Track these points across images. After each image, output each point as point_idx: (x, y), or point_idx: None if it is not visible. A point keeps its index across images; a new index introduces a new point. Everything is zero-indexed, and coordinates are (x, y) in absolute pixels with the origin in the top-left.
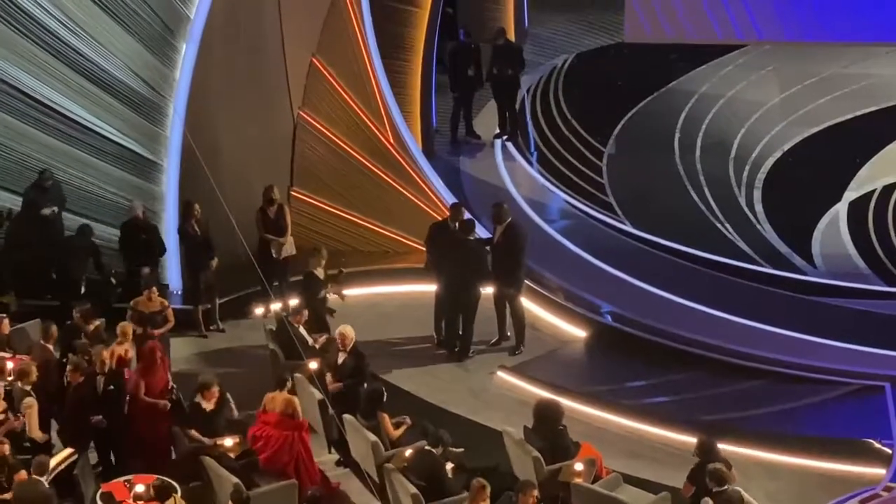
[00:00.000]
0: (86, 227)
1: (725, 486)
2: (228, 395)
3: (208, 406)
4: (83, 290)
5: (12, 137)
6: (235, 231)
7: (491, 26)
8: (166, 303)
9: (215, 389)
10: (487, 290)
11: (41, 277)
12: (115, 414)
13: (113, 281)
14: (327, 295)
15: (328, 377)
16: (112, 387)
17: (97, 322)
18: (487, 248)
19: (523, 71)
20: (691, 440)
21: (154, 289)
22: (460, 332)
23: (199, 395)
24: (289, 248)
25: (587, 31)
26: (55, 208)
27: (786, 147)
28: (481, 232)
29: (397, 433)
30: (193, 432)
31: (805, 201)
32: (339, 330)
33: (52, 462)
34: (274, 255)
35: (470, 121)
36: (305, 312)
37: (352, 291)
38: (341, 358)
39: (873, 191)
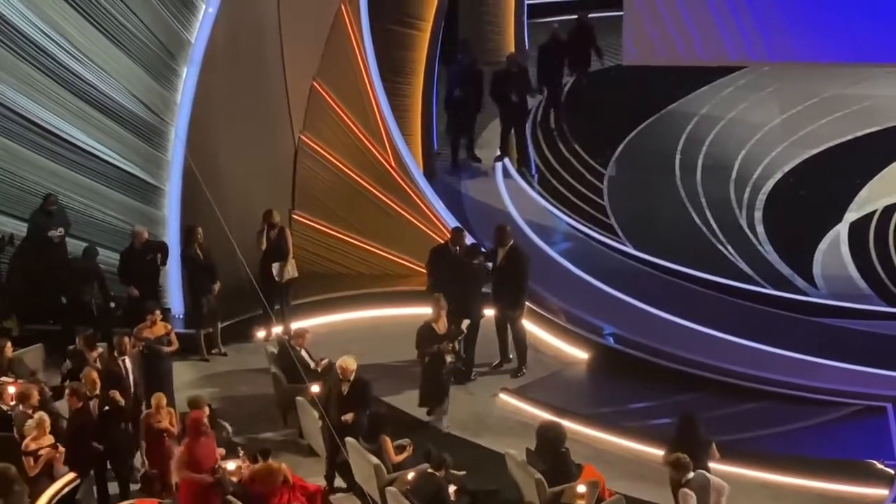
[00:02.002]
0: (90, 249)
1: (691, 473)
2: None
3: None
4: (94, 313)
5: (14, 162)
6: (237, 255)
7: (491, 48)
8: (170, 327)
9: (205, 409)
10: (488, 313)
11: (44, 302)
12: (113, 436)
13: (112, 304)
14: (440, 350)
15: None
16: (106, 408)
17: (100, 349)
18: (489, 264)
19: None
20: None
21: (157, 313)
22: (462, 355)
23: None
24: (291, 270)
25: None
26: (62, 230)
27: (786, 168)
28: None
29: (399, 458)
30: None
31: (806, 222)
32: (339, 363)
33: (55, 487)
34: (276, 278)
35: (471, 144)
36: (307, 335)
37: (354, 315)
38: (345, 388)
39: (874, 212)
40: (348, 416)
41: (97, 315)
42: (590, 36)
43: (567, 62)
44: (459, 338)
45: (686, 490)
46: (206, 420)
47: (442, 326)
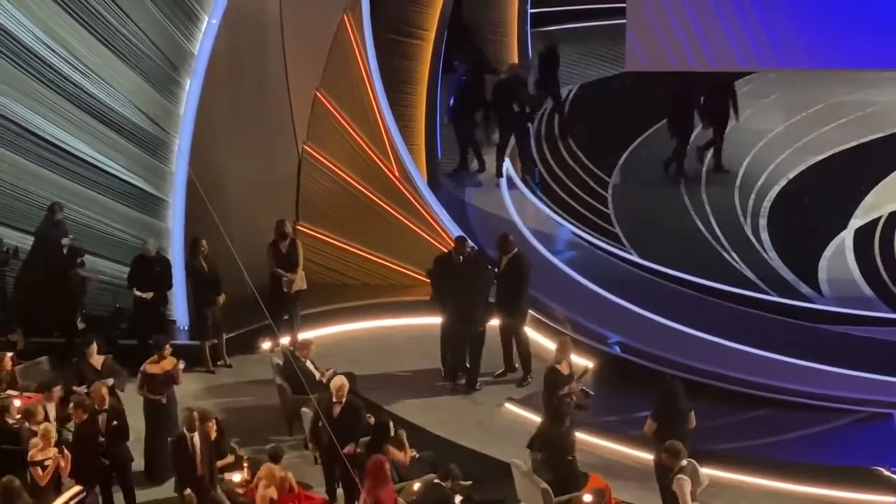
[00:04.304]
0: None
1: (684, 461)
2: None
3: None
4: (80, 324)
5: (18, 176)
6: (240, 266)
7: (494, 58)
8: (175, 361)
9: (212, 423)
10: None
11: (49, 314)
12: (120, 451)
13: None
14: (570, 391)
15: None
16: (115, 423)
17: (102, 359)
18: (494, 269)
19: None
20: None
21: (167, 348)
22: (467, 365)
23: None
24: (300, 282)
25: (590, 61)
26: (74, 237)
27: (791, 175)
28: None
29: (405, 455)
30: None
31: (811, 229)
32: (333, 383)
33: (61, 500)
34: (285, 290)
35: (479, 153)
36: (312, 346)
37: (358, 325)
38: (336, 410)
39: (879, 218)
40: (351, 448)
41: (90, 327)
42: (730, 92)
43: (701, 115)
44: (585, 375)
45: (682, 476)
46: (388, 465)
47: (566, 368)
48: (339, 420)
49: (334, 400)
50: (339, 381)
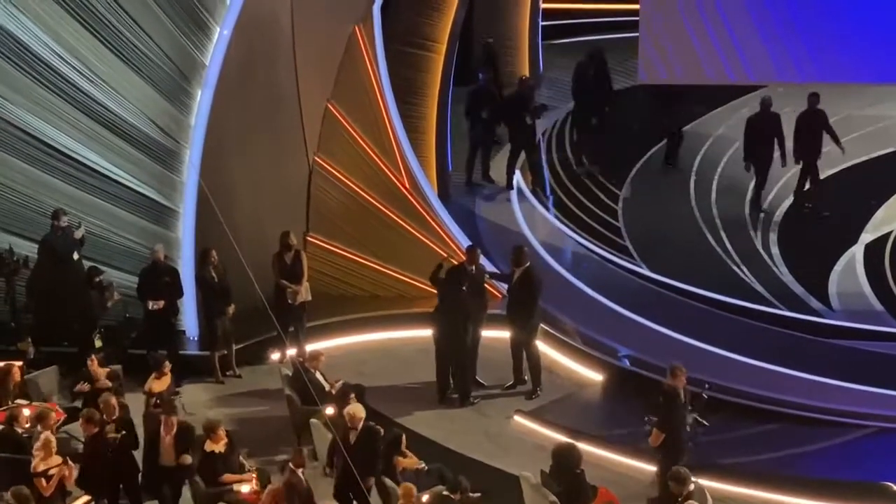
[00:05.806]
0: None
1: (691, 485)
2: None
3: (218, 448)
4: (98, 342)
5: (28, 185)
6: (250, 277)
7: (506, 70)
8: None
9: (221, 431)
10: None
11: (59, 323)
12: (128, 460)
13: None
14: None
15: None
16: (123, 432)
17: (108, 370)
18: (506, 285)
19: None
20: (708, 484)
21: (166, 364)
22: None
23: (207, 440)
24: (304, 293)
25: None
26: (83, 231)
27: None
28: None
29: (413, 461)
30: (226, 476)
31: (821, 244)
32: (347, 410)
33: None
34: (289, 301)
35: (487, 165)
36: (322, 357)
37: (368, 337)
38: (352, 437)
39: (889, 233)
40: (370, 483)
41: (104, 337)
42: (823, 119)
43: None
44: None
45: (693, 502)
46: None
47: (683, 394)
48: (355, 447)
49: (349, 426)
50: (353, 410)
